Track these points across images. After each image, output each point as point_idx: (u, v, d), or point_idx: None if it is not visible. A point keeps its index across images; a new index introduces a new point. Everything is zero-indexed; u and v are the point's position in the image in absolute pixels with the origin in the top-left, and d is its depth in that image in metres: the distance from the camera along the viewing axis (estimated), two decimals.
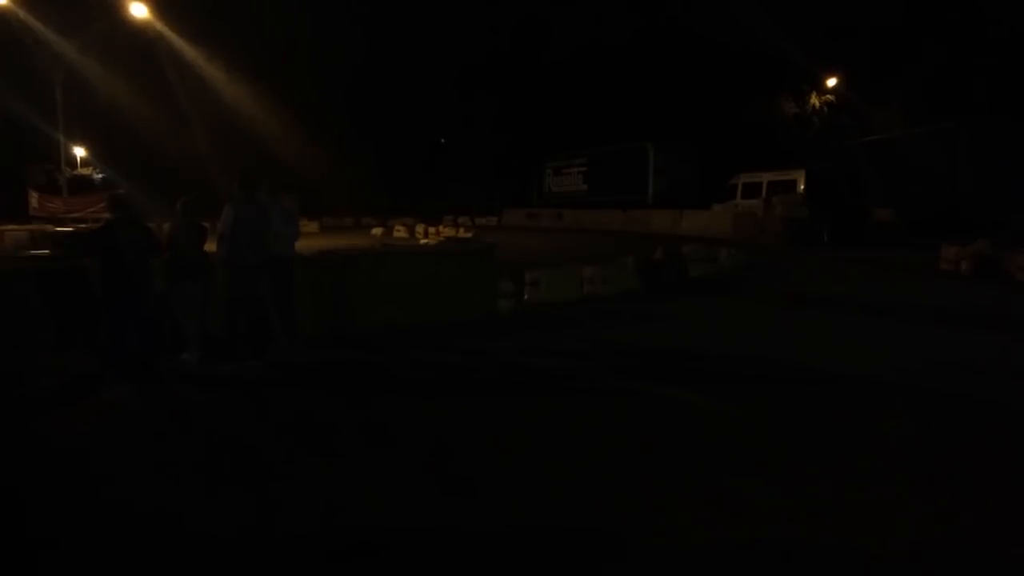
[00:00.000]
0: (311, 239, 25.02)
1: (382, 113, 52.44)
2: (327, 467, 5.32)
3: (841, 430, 5.98)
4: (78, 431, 6.33)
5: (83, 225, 26.62)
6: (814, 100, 43.21)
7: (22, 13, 32.44)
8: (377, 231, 37.47)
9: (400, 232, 36.62)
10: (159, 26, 35.78)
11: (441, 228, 35.91)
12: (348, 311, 10.39)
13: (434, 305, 10.91)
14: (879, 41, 37.40)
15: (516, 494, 4.78)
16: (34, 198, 34.22)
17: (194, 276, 8.36)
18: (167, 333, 8.59)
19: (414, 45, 52.38)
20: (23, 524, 4.57)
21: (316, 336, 9.76)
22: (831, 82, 40.78)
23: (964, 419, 6.26)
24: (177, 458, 5.58)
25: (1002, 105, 31.34)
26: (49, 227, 28.86)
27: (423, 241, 30.82)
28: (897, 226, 26.71)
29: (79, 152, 47.94)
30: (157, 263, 8.00)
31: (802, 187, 25.88)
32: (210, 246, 8.62)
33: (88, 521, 4.53)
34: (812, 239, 23.75)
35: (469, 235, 32.57)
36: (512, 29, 50.96)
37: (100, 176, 47.20)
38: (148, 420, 6.64)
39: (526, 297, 12.60)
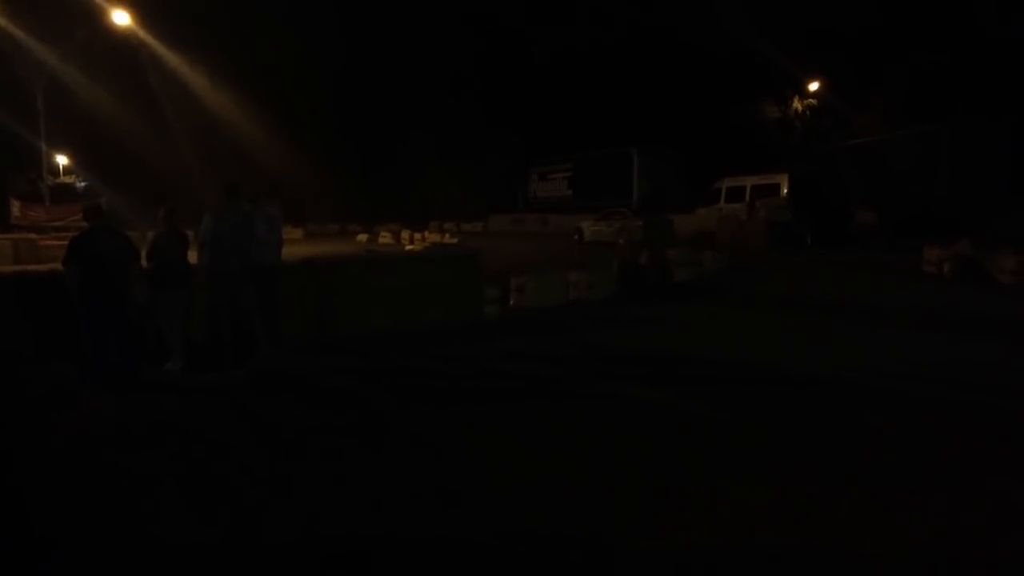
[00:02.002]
0: (296, 246, 24.94)
1: (367, 119, 52.37)
2: (311, 475, 5.30)
3: (827, 433, 6.01)
4: (59, 441, 6.27)
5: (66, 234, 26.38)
6: (796, 104, 43.44)
7: (3, 21, 32.20)
8: (362, 237, 37.40)
9: (386, 238, 36.55)
10: (141, 33, 35.59)
11: (427, 234, 35.87)
12: (333, 318, 10.37)
13: (420, 311, 10.91)
14: (861, 45, 37.65)
15: (503, 500, 4.78)
16: (16, 206, 33.88)
17: (176, 284, 8.33)
18: (150, 342, 8.55)
19: (398, 50, 52.35)
20: (6, 535, 4.53)
21: (301, 344, 9.74)
22: (813, 86, 41.01)
23: (950, 421, 6.29)
24: (160, 467, 5.54)
25: (982, 108, 31.61)
26: (32, 236, 28.63)
27: (409, 247, 30.77)
28: (880, 228, 26.89)
29: (62, 160, 47.66)
30: (138, 271, 7.96)
31: (785, 191, 26.01)
32: (192, 255, 8.60)
33: (69, 532, 4.50)
34: (796, 242, 23.87)
35: (455, 241, 32.55)
36: (497, 34, 51.01)
37: (83, 184, 46.92)
38: (130, 429, 6.59)
39: (512, 302, 12.61)
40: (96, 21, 31.59)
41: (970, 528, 4.26)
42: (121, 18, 30.53)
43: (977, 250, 15.79)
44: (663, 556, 4.03)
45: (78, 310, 7.63)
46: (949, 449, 5.59)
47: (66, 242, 7.97)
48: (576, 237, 32.39)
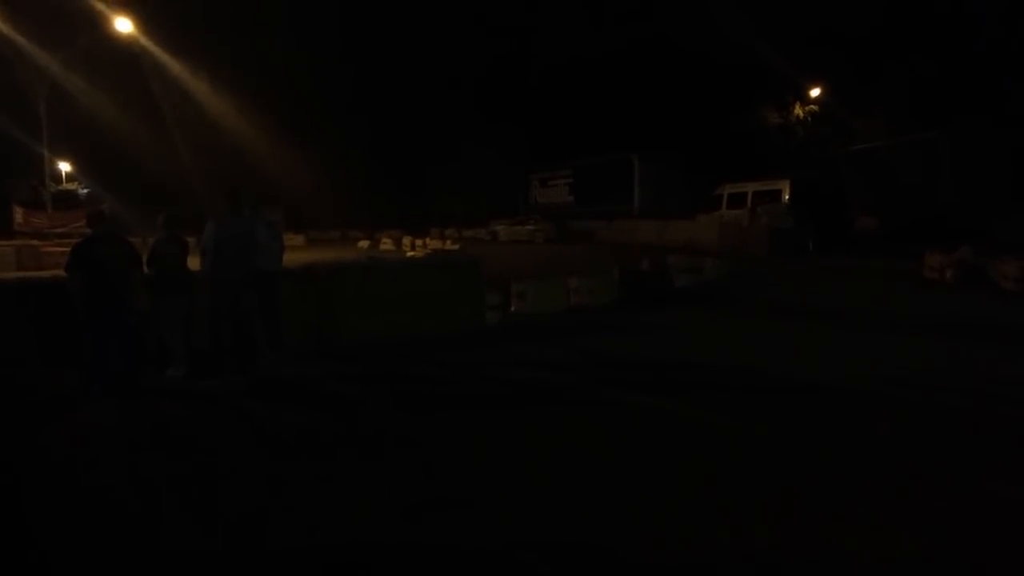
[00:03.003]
0: (297, 252, 24.92)
1: (368, 126, 52.47)
2: (313, 482, 5.30)
3: (829, 439, 5.99)
4: (61, 447, 6.28)
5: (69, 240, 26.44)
6: (797, 110, 43.48)
7: (5, 28, 32.29)
8: (364, 244, 37.47)
9: (387, 245, 36.62)
10: (143, 40, 35.68)
11: (427, 240, 35.93)
12: (335, 325, 10.37)
13: (421, 318, 10.90)
14: (861, 51, 37.71)
15: (507, 508, 4.76)
16: (19, 213, 33.99)
17: (176, 291, 8.30)
18: (152, 348, 8.55)
19: (400, 57, 52.54)
20: (6, 542, 4.53)
21: (302, 350, 9.73)
22: (814, 92, 41.06)
23: (954, 428, 6.28)
24: (161, 474, 5.55)
25: (984, 113, 31.64)
26: (34, 242, 28.71)
27: (410, 254, 30.78)
28: (881, 235, 26.87)
29: (64, 167, 47.72)
30: (140, 277, 7.96)
31: (787, 197, 25.99)
32: (193, 261, 8.60)
33: (70, 537, 4.50)
34: (797, 249, 23.83)
35: (456, 247, 32.59)
36: (499, 41, 51.14)
37: (85, 191, 47.01)
38: (131, 436, 6.59)
39: (513, 309, 12.61)
40: (99, 28, 31.67)
41: (973, 536, 4.25)
42: (124, 25, 30.59)
43: (979, 256, 15.76)
44: (669, 565, 4.03)
45: (80, 316, 7.64)
46: (953, 456, 5.57)
47: (68, 248, 7.98)
48: (490, 238, 40.44)
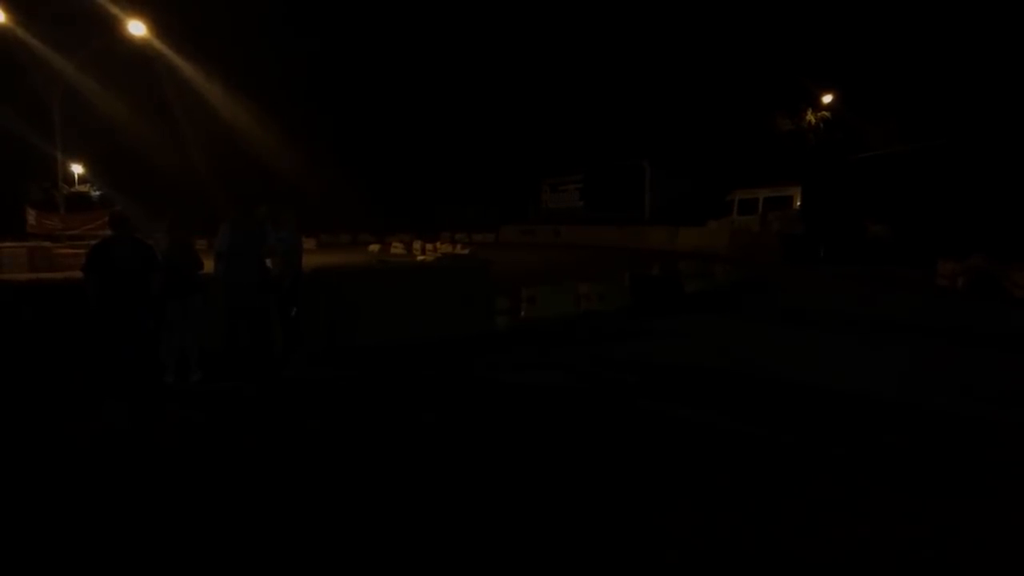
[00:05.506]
0: (308, 256, 24.90)
1: (380, 130, 52.65)
2: (323, 485, 5.31)
3: (842, 446, 5.98)
4: (74, 449, 6.31)
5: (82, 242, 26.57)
6: (810, 116, 43.35)
7: (20, 31, 32.53)
8: (374, 247, 37.58)
9: (397, 248, 36.69)
10: (157, 44, 35.89)
11: (438, 244, 35.99)
12: (345, 328, 10.38)
13: (431, 322, 10.91)
14: (875, 58, 37.61)
15: (518, 513, 4.77)
16: (32, 215, 34.12)
17: (182, 293, 8.29)
18: (166, 351, 8.57)
19: (411, 62, 52.72)
20: (23, 540, 4.55)
21: (314, 353, 9.76)
22: (827, 98, 40.96)
23: (959, 435, 6.26)
24: (171, 475, 5.57)
25: (997, 121, 31.48)
26: (47, 244, 28.86)
27: (420, 258, 30.84)
28: (893, 242, 26.75)
29: (77, 169, 47.98)
30: (157, 281, 7.96)
31: (798, 203, 25.96)
32: (208, 265, 8.64)
33: (75, 538, 4.52)
34: (808, 255, 23.78)
35: (466, 251, 32.63)
36: (511, 46, 51.30)
37: (98, 193, 47.24)
38: (144, 438, 6.62)
39: (523, 313, 12.60)
40: (112, 32, 31.87)
41: (981, 545, 4.23)
42: (137, 29, 30.77)
43: (991, 264, 15.70)
44: (679, 572, 4.02)
45: (96, 318, 7.67)
46: (957, 461, 5.55)
47: (80, 251, 8.03)
48: None
